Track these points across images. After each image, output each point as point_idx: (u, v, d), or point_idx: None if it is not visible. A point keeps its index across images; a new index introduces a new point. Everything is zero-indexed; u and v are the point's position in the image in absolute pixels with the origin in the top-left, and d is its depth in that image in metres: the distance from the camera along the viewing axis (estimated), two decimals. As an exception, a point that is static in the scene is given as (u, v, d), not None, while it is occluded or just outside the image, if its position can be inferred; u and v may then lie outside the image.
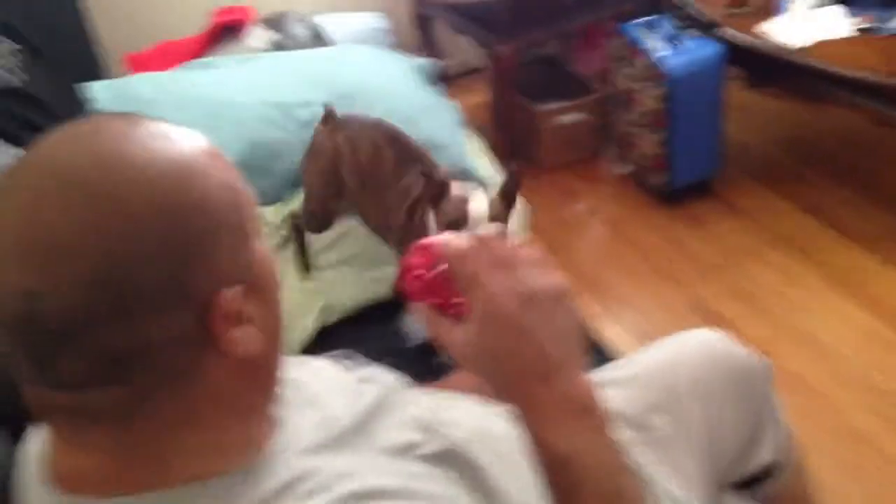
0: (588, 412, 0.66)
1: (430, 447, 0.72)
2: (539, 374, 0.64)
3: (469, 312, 0.66)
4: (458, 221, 1.37)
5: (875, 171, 2.67)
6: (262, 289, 0.65)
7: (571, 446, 0.64)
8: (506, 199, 1.41)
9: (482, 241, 0.66)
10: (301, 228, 1.75)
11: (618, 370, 1.17)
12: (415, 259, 0.71)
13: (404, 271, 0.72)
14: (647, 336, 2.13)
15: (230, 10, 2.38)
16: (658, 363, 1.15)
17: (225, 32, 2.37)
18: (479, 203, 1.39)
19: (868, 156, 2.74)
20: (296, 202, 1.80)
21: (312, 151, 1.70)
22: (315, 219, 1.73)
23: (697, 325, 2.12)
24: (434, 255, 0.70)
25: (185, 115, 1.84)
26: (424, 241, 0.72)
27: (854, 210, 2.50)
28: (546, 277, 0.66)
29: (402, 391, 0.84)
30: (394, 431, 0.74)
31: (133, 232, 0.56)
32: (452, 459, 0.73)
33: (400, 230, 1.54)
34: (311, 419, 0.74)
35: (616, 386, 1.12)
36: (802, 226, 2.48)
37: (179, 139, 0.62)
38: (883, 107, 2.25)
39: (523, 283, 0.65)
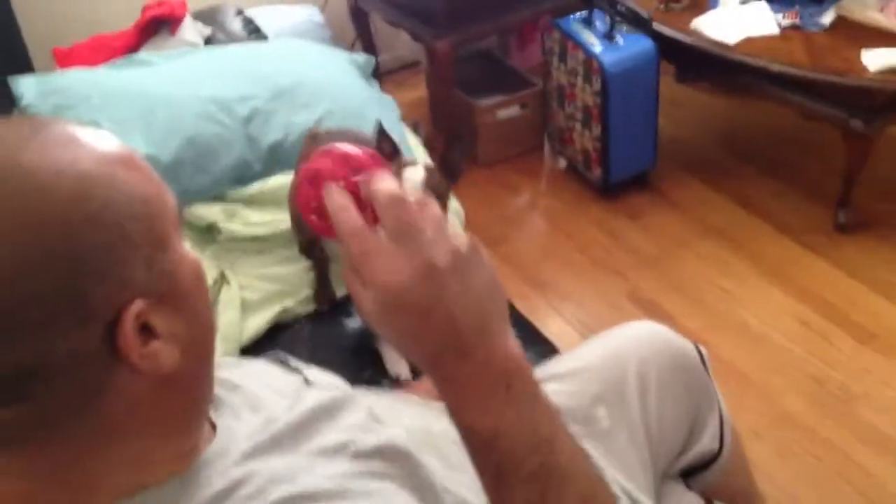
0: (516, 378, 0.61)
1: (365, 443, 0.71)
2: (454, 350, 0.59)
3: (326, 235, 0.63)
4: None
5: (802, 163, 2.75)
6: (180, 300, 0.61)
7: (499, 421, 0.60)
8: (448, 169, 1.35)
9: (380, 207, 0.59)
10: (323, 258, 1.70)
11: (561, 364, 1.19)
12: (323, 164, 0.65)
13: (309, 178, 0.64)
14: (588, 328, 2.17)
15: (162, 3, 2.32)
16: (600, 356, 1.16)
17: (157, 26, 2.31)
18: (414, 171, 1.33)
19: (795, 149, 2.82)
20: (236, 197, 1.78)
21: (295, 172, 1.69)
22: (299, 242, 1.72)
23: (636, 316, 2.19)
24: (350, 166, 0.64)
25: (118, 111, 1.80)
26: (340, 149, 0.65)
27: (783, 202, 2.58)
28: (452, 237, 0.59)
29: (344, 393, 0.82)
30: (332, 434, 0.72)
31: (20, 244, 0.53)
32: (388, 454, 0.72)
33: None
34: (249, 423, 0.72)
35: (559, 380, 1.13)
36: (734, 217, 2.54)
37: (85, 145, 0.58)
38: (809, 101, 2.32)
39: (423, 256, 0.57)
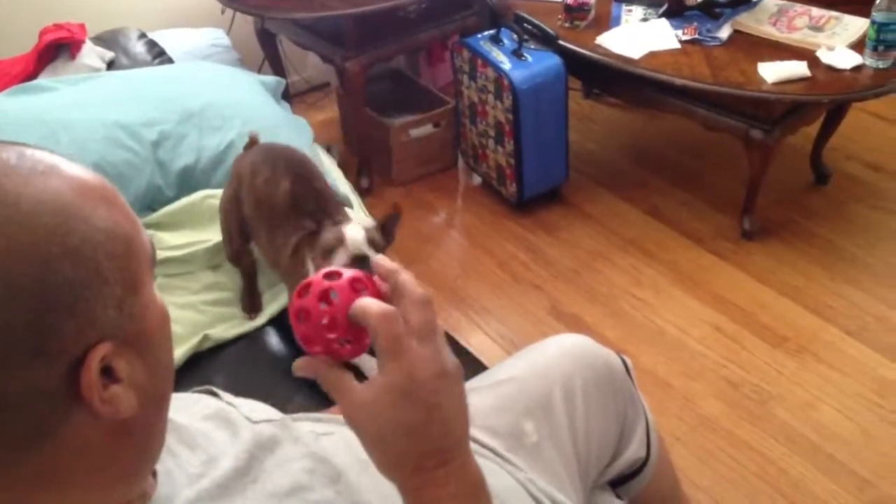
0: (483, 493, 0.65)
1: (318, 494, 0.69)
2: (439, 453, 0.63)
3: (356, 356, 0.64)
4: (334, 247, 1.39)
5: (708, 173, 2.84)
6: (144, 345, 0.59)
7: None
8: (386, 232, 1.46)
9: (412, 303, 0.64)
10: (252, 267, 1.70)
11: (488, 379, 1.18)
12: (299, 301, 0.65)
13: (293, 314, 0.66)
14: (511, 342, 2.18)
15: (60, 26, 2.23)
16: (526, 370, 1.16)
17: (57, 51, 2.22)
18: (354, 229, 1.41)
19: (700, 159, 2.92)
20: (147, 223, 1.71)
21: (227, 180, 1.69)
22: (227, 251, 1.70)
23: (557, 329, 2.21)
24: (318, 295, 0.65)
25: (19, 138, 1.68)
26: (309, 280, 0.66)
27: (691, 211, 2.66)
28: (450, 353, 0.64)
29: (282, 423, 0.80)
30: (279, 472, 0.69)
31: None
32: (342, 494, 0.71)
33: (285, 270, 1.54)
34: (189, 464, 0.69)
35: (487, 394, 1.12)
36: (646, 228, 2.60)
37: (69, 177, 0.56)
38: (711, 112, 2.40)
39: (441, 357, 0.63)
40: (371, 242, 1.40)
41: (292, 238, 1.49)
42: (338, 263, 1.39)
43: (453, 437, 0.63)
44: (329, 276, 0.66)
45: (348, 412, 0.64)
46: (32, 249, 0.51)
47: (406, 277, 0.65)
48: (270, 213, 1.55)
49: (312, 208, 1.52)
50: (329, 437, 0.86)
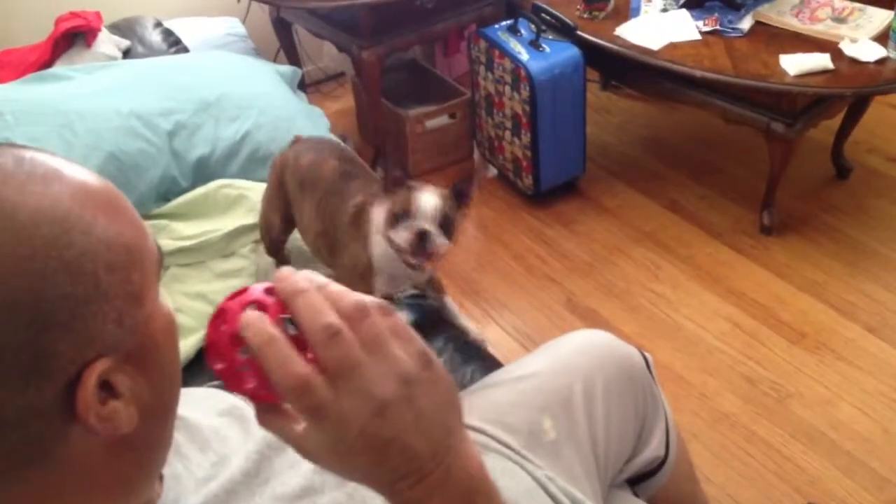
0: (479, 497, 0.57)
1: (328, 496, 0.67)
2: (412, 476, 0.54)
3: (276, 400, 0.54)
4: (406, 212, 1.37)
5: (727, 167, 2.81)
6: (147, 358, 0.56)
7: None
8: (462, 195, 1.42)
9: (314, 337, 0.51)
10: (286, 262, 1.71)
11: (506, 375, 1.16)
12: (213, 333, 0.55)
13: (209, 346, 0.55)
14: (526, 336, 2.16)
15: (76, 14, 2.22)
16: (546, 367, 1.14)
17: (72, 39, 2.22)
18: (428, 196, 1.38)
19: (720, 152, 2.88)
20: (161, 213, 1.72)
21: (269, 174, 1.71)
22: (265, 241, 1.71)
23: (573, 324, 2.19)
24: (234, 326, 0.53)
25: (34, 128, 1.71)
26: (222, 306, 0.56)
27: (710, 205, 2.63)
28: (397, 360, 0.53)
29: None
30: (290, 473, 0.68)
31: None
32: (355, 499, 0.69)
33: (344, 230, 1.53)
34: (198, 466, 0.67)
35: (505, 390, 1.11)
36: (663, 222, 2.58)
37: (69, 183, 0.53)
38: (731, 105, 2.37)
39: (367, 392, 0.51)
40: (443, 216, 1.38)
41: (357, 198, 1.50)
42: (402, 236, 1.38)
43: (421, 456, 0.53)
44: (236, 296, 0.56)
45: (302, 454, 0.55)
46: (29, 263, 0.48)
47: (306, 302, 0.52)
48: (316, 187, 1.57)
49: (359, 172, 1.55)
50: None
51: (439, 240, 1.38)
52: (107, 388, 0.52)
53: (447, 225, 1.39)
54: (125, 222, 0.55)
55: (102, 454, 0.54)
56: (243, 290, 0.55)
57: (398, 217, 1.38)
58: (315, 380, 0.50)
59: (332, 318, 0.51)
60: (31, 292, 0.48)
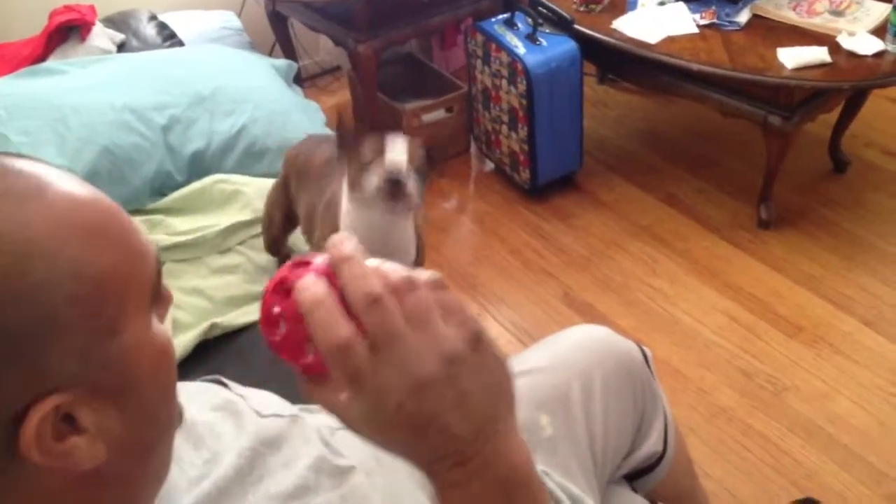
0: (520, 491, 0.55)
1: (322, 497, 0.66)
2: (450, 458, 0.53)
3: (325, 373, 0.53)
4: (375, 159, 1.31)
5: (724, 160, 2.80)
6: (124, 392, 0.52)
7: None
8: (429, 158, 1.37)
9: (362, 309, 0.49)
10: (288, 257, 1.67)
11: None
12: (270, 300, 0.53)
13: (263, 317, 0.53)
14: (522, 329, 2.16)
15: (70, 8, 2.21)
16: (543, 362, 1.13)
17: (66, 33, 2.20)
18: (396, 139, 1.32)
19: (717, 146, 2.88)
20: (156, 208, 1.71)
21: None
22: (266, 239, 1.70)
23: (570, 318, 2.19)
24: (293, 301, 0.51)
25: (28, 122, 1.70)
26: (277, 280, 0.53)
27: (707, 199, 2.62)
28: (444, 339, 0.51)
29: (290, 418, 0.77)
30: (284, 472, 0.67)
31: None
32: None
33: (321, 215, 1.49)
34: (192, 465, 0.66)
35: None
36: (660, 216, 2.57)
37: (45, 204, 0.49)
38: (728, 98, 2.36)
39: (407, 367, 0.49)
40: (412, 161, 1.30)
41: (334, 185, 1.47)
42: (372, 181, 1.30)
43: (461, 438, 0.52)
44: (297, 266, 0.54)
45: (344, 423, 0.55)
46: None
47: (352, 268, 0.50)
48: (309, 176, 1.55)
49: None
50: (345, 430, 0.84)
51: (411, 182, 1.31)
52: (70, 421, 0.49)
53: (419, 171, 1.33)
54: (106, 249, 0.51)
55: (68, 488, 0.51)
56: (307, 262, 0.53)
57: (366, 166, 1.31)
58: (357, 344, 0.49)
59: (376, 285, 0.49)
60: None
